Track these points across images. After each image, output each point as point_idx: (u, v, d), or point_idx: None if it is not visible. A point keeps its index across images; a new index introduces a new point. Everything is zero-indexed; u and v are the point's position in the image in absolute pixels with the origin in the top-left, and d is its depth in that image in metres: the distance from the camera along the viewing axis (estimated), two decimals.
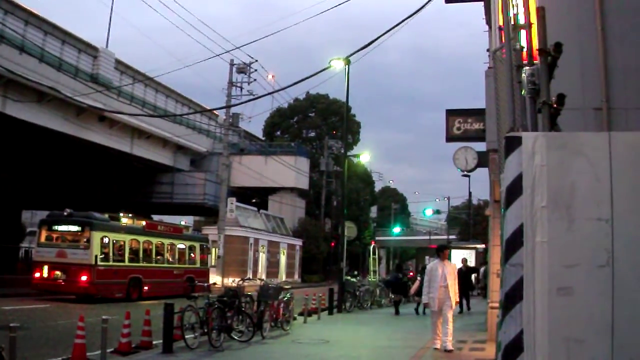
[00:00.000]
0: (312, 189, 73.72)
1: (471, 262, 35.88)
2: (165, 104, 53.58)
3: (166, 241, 34.27)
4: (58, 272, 28.16)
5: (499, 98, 9.56)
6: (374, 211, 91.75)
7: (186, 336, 14.96)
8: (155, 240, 33.12)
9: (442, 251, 16.71)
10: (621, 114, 10.92)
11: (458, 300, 17.23)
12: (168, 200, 58.84)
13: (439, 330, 15.77)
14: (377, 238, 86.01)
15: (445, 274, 15.89)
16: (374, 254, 59.15)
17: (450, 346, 15.56)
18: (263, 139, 79.61)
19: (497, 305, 13.83)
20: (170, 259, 34.63)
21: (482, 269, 33.98)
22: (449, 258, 17.98)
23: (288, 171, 64.13)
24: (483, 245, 38.87)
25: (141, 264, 31.40)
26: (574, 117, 10.08)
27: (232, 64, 47.03)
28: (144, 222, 33.41)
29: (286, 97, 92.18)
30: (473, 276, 33.56)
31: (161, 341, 14.76)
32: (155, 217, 50.70)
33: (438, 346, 15.69)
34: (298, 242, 66.67)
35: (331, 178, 75.26)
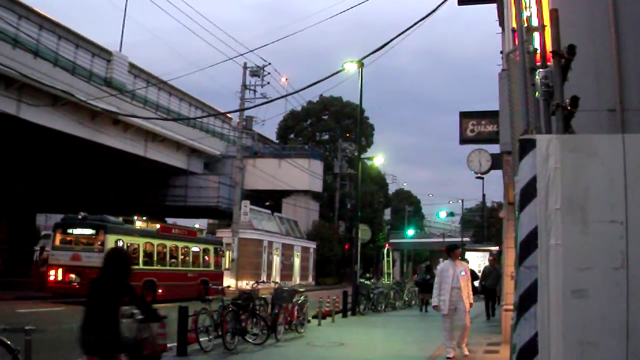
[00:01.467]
0: (326, 192, 73.66)
1: (484, 265, 35.74)
2: (178, 107, 53.71)
3: (180, 244, 34.37)
4: (73, 275, 28.28)
5: (512, 100, 9.54)
6: (387, 214, 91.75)
7: (200, 339, 14.99)
8: (169, 243, 33.21)
9: (452, 251, 15.86)
10: (635, 116, 10.88)
11: (472, 302, 15.84)
12: (182, 204, 58.98)
13: (451, 337, 14.99)
14: (391, 240, 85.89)
15: (456, 275, 14.95)
16: (387, 256, 59.22)
17: (466, 351, 15.16)
18: (277, 141, 79.65)
19: (511, 307, 13.81)
20: (184, 262, 34.72)
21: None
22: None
23: (302, 174, 64.11)
24: (497, 248, 38.78)
25: (155, 267, 31.50)
26: (588, 119, 10.04)
27: (245, 67, 47.18)
28: (158, 225, 33.53)
29: (300, 100, 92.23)
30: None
31: (175, 344, 14.80)
32: (169, 220, 50.86)
33: (451, 355, 14.69)
34: (312, 245, 66.61)
35: (345, 181, 75.27)
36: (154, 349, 9.29)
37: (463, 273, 15.17)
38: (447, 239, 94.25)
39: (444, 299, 14.87)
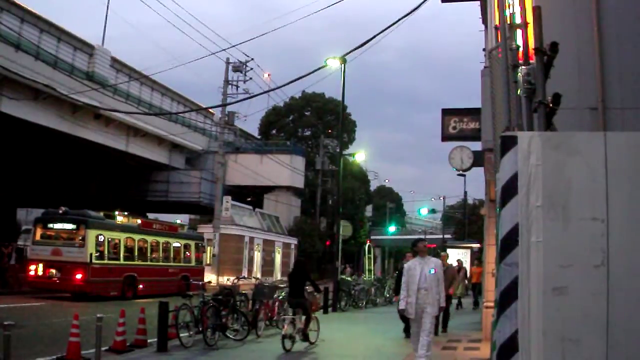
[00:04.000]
0: (308, 188, 73.60)
1: (466, 262, 35.80)
2: (160, 102, 53.53)
3: (161, 239, 34.23)
4: (53, 270, 28.10)
5: (494, 97, 9.56)
6: (369, 210, 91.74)
7: (181, 335, 14.97)
8: (150, 239, 33.07)
9: (415, 245, 13.96)
10: (617, 114, 10.93)
11: (444, 305, 13.80)
12: (163, 199, 58.85)
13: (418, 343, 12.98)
14: (372, 237, 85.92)
15: (424, 274, 12.95)
16: (369, 253, 59.11)
17: None
18: (259, 137, 79.48)
19: (492, 304, 13.79)
20: (165, 258, 34.58)
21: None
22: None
23: (283, 170, 64.05)
24: (478, 245, 38.86)
25: (136, 262, 31.36)
26: (570, 117, 10.08)
27: (228, 63, 47.02)
28: (139, 221, 33.35)
29: (282, 96, 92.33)
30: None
31: (156, 339, 14.76)
32: (151, 216, 50.62)
33: None
34: (293, 241, 66.53)
35: (327, 177, 75.15)
36: (315, 307, 20.75)
37: (432, 272, 13.13)
38: (428, 236, 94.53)
39: (411, 302, 12.96)
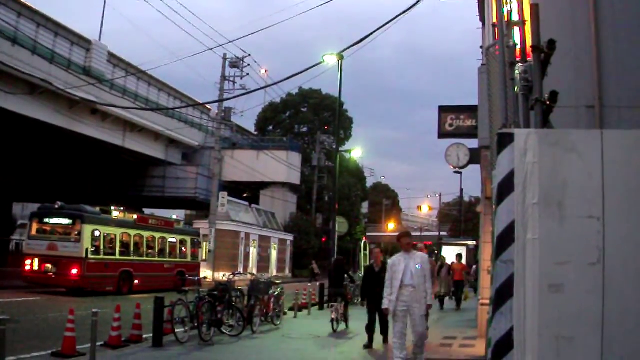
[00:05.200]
0: (304, 184, 73.49)
1: (463, 260, 35.73)
2: (157, 98, 53.43)
3: (157, 235, 34.22)
4: (49, 265, 28.08)
5: (491, 95, 9.55)
6: (365, 207, 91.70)
7: (176, 330, 14.97)
8: (146, 234, 33.05)
9: (398, 241, 13.11)
10: (614, 112, 10.92)
11: (431, 304, 12.88)
12: (160, 194, 58.75)
13: (402, 346, 12.30)
14: (368, 234, 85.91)
15: (410, 270, 12.11)
16: (364, 249, 59.09)
17: None
18: (255, 133, 79.35)
19: (487, 302, 13.76)
20: (161, 253, 34.57)
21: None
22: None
23: (280, 166, 63.98)
24: (474, 242, 38.87)
25: (132, 258, 31.35)
26: (567, 114, 10.07)
27: (225, 58, 46.99)
28: (135, 216, 33.32)
29: (279, 92, 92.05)
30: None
31: (151, 335, 14.76)
32: (147, 211, 50.58)
33: None
34: (289, 237, 66.54)
35: (323, 173, 75.09)
36: (349, 298, 23.68)
37: (418, 267, 12.26)
38: (424, 233, 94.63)
39: (392, 299, 12.16)
